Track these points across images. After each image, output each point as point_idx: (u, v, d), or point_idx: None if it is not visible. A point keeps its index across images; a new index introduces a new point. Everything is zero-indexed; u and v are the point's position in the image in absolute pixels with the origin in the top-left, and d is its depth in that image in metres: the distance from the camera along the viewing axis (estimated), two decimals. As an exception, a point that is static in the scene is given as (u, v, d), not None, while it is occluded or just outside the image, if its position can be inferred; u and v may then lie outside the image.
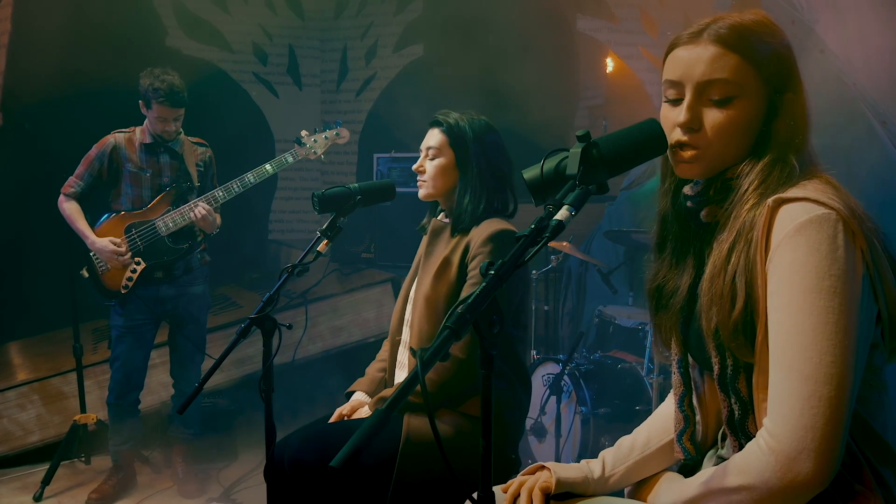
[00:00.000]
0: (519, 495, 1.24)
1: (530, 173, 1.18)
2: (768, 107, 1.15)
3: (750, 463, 1.05)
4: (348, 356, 4.42)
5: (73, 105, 4.50)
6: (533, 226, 1.04)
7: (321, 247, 2.00)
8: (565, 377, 3.38)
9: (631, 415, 3.34)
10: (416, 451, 1.89)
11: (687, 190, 1.22)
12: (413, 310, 2.11)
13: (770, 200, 1.06)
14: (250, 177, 3.28)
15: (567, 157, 1.13)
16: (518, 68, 5.52)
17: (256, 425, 4.05)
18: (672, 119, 1.19)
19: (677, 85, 1.19)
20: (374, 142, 6.12)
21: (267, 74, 6.76)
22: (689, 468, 1.27)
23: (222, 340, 3.96)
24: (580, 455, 3.31)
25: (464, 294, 1.99)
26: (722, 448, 1.20)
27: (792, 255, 1.02)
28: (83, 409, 3.58)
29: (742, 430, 1.13)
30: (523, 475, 1.30)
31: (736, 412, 1.13)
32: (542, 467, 1.31)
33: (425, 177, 2.13)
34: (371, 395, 2.18)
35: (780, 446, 1.01)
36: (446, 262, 2.04)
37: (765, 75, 1.14)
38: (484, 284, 0.98)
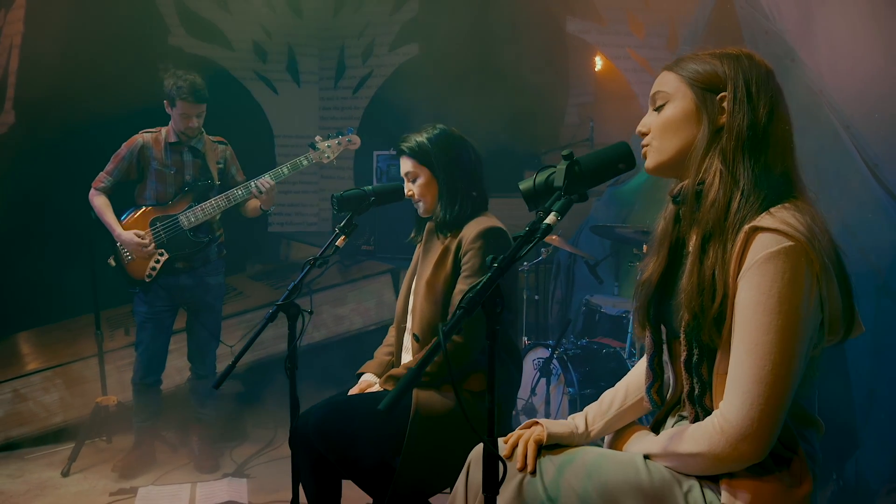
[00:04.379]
0: (517, 445, 1.52)
1: (525, 185, 1.44)
2: (701, 106, 1.40)
3: (704, 436, 1.32)
4: (350, 343, 4.68)
5: (81, 103, 4.69)
6: (527, 228, 1.32)
7: (339, 242, 2.26)
8: (554, 361, 3.66)
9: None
10: (425, 421, 2.16)
11: (672, 191, 1.49)
12: (415, 296, 2.38)
13: (748, 227, 1.29)
14: (269, 176, 3.52)
15: (554, 171, 1.40)
16: (510, 68, 5.78)
17: (264, 407, 4.34)
18: None
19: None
20: (370, 139, 6.35)
21: (266, 72, 6.97)
22: (659, 424, 1.55)
23: (233, 328, 4.20)
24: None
25: (459, 285, 2.26)
26: (683, 411, 1.48)
27: (760, 279, 1.26)
28: (104, 392, 3.85)
29: (700, 403, 1.41)
30: (520, 430, 1.57)
31: (696, 389, 1.40)
32: (536, 423, 1.58)
33: (416, 197, 2.39)
34: (379, 376, 2.45)
35: (730, 428, 1.28)
36: (445, 253, 2.31)
37: (689, 80, 1.42)
38: (489, 274, 1.25)
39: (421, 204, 2.38)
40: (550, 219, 1.31)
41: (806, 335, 1.27)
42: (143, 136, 3.54)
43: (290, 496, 2.77)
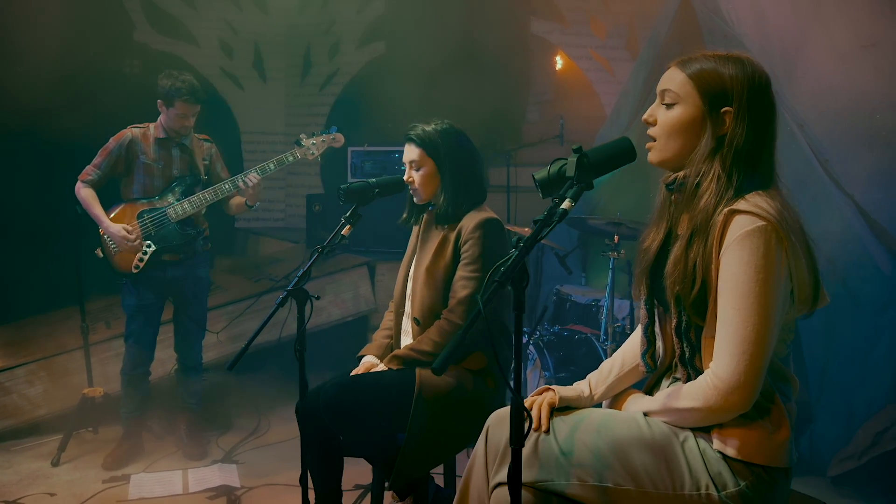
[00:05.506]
0: (532, 408, 1.70)
1: (540, 175, 1.62)
2: (707, 116, 1.58)
3: (698, 392, 1.52)
4: (329, 334, 4.80)
5: (47, 96, 4.70)
6: (546, 213, 1.49)
7: (345, 231, 2.40)
8: (530, 346, 3.85)
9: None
10: (428, 398, 2.32)
11: (664, 178, 1.67)
12: (414, 282, 2.54)
13: (726, 210, 1.50)
14: (255, 171, 3.63)
15: (566, 163, 1.57)
16: (474, 67, 5.95)
17: (246, 397, 4.44)
18: None
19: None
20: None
21: (232, 68, 7.02)
22: (652, 387, 1.75)
23: (215, 320, 4.28)
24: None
25: (460, 272, 2.43)
26: (675, 374, 1.68)
27: (739, 254, 1.46)
28: (91, 384, 3.91)
29: (691, 365, 1.60)
30: (533, 395, 1.75)
31: (686, 352, 1.60)
32: (548, 388, 1.77)
33: (416, 185, 2.54)
34: (380, 358, 2.60)
35: (721, 384, 1.48)
36: (444, 242, 2.47)
37: (700, 89, 1.58)
38: (517, 253, 1.42)
39: (419, 192, 2.53)
40: (566, 204, 1.49)
41: (779, 301, 1.48)
42: (131, 131, 3.61)
43: (280, 480, 2.91)
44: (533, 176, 1.63)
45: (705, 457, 1.52)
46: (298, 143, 3.76)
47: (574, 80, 6.46)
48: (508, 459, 1.59)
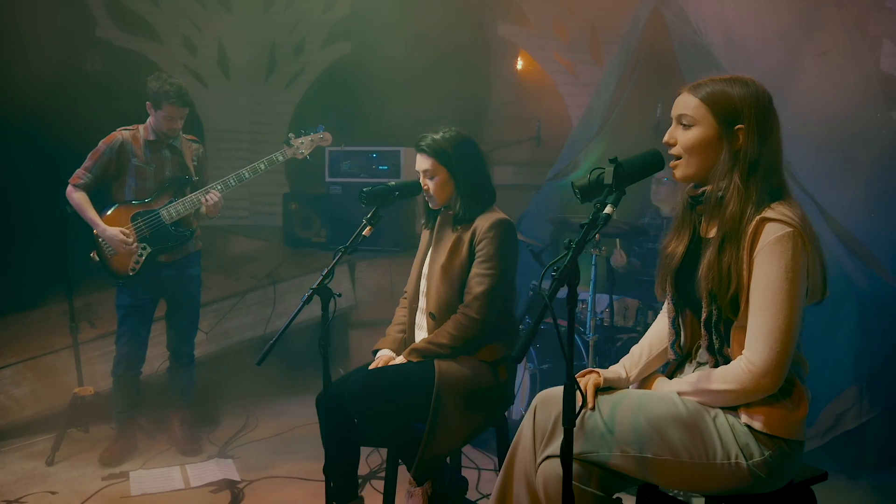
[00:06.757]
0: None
1: (581, 182, 1.78)
2: (723, 134, 1.78)
3: (732, 376, 1.73)
4: (312, 330, 4.89)
5: (8, 94, 4.70)
6: (590, 217, 1.67)
7: (366, 231, 2.53)
8: (514, 339, 4.03)
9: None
10: (447, 387, 2.48)
11: (689, 191, 1.87)
12: (429, 279, 2.69)
13: (757, 218, 1.70)
14: (245, 172, 3.72)
15: (604, 172, 1.75)
16: (438, 69, 6.10)
17: (233, 394, 4.50)
18: None
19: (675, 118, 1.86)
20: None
21: (196, 66, 7.00)
22: (674, 373, 1.95)
23: (200, 318, 4.31)
24: (528, 402, 3.98)
25: (475, 269, 2.58)
26: (697, 360, 1.89)
27: (770, 257, 1.68)
28: (80, 383, 3.93)
29: (720, 353, 1.81)
30: (578, 377, 1.93)
31: (716, 343, 1.81)
32: (592, 371, 1.95)
33: (431, 192, 2.69)
34: (394, 351, 2.74)
35: (755, 368, 1.69)
36: (458, 242, 2.63)
37: (713, 111, 1.78)
38: (571, 252, 1.59)
39: (435, 198, 2.68)
40: (608, 209, 1.67)
41: (803, 296, 1.71)
42: (121, 134, 3.64)
43: (278, 472, 3.03)
44: (573, 183, 1.80)
45: (734, 430, 1.73)
46: (288, 143, 3.86)
47: (538, 81, 6.66)
48: (556, 435, 1.77)
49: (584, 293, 3.97)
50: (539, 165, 5.73)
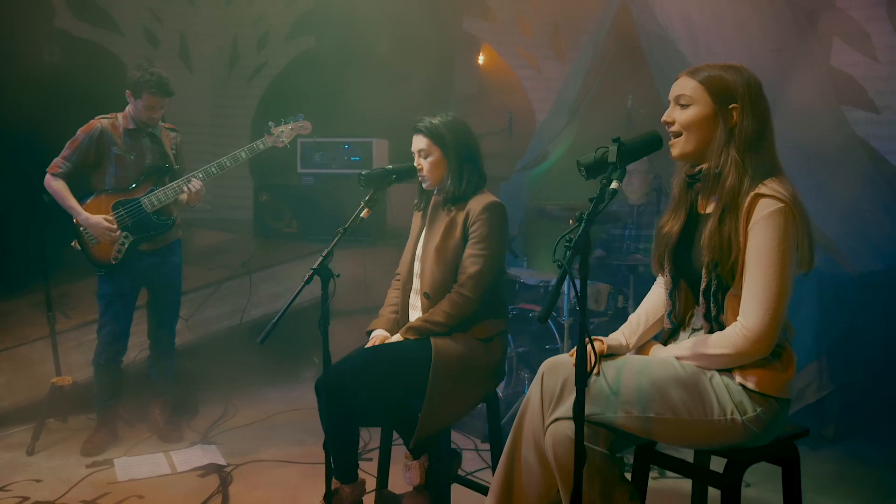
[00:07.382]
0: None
1: (587, 160, 1.90)
2: (718, 112, 1.92)
3: (729, 341, 1.87)
4: (287, 319, 4.92)
5: None
6: (599, 192, 1.79)
7: (364, 213, 2.61)
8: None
9: (542, 353, 4.19)
10: (443, 363, 2.58)
11: (687, 171, 2.01)
12: (423, 261, 2.78)
13: (752, 193, 1.85)
14: (226, 160, 3.75)
15: (608, 150, 1.87)
16: (402, 62, 6.19)
17: (210, 382, 4.51)
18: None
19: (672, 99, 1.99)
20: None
21: (158, 58, 6.92)
22: (668, 340, 2.09)
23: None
24: (506, 384, 4.10)
25: (469, 250, 2.68)
26: (690, 326, 2.03)
27: (764, 231, 1.82)
28: (58, 373, 3.91)
29: (716, 320, 1.95)
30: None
31: (713, 310, 1.95)
32: (597, 339, 2.07)
33: (424, 172, 2.78)
34: (390, 331, 2.83)
35: (750, 333, 1.84)
36: (452, 224, 2.73)
37: (710, 91, 1.93)
38: (582, 225, 1.70)
39: (427, 178, 2.77)
40: (614, 184, 1.79)
41: (794, 266, 1.86)
42: (100, 122, 3.63)
43: (264, 457, 3.10)
44: (578, 161, 1.92)
45: (729, 389, 1.88)
46: (268, 132, 3.90)
47: (501, 75, 6.79)
48: (564, 399, 1.90)
49: (550, 279, 4.12)
50: (506, 158, 5.86)
